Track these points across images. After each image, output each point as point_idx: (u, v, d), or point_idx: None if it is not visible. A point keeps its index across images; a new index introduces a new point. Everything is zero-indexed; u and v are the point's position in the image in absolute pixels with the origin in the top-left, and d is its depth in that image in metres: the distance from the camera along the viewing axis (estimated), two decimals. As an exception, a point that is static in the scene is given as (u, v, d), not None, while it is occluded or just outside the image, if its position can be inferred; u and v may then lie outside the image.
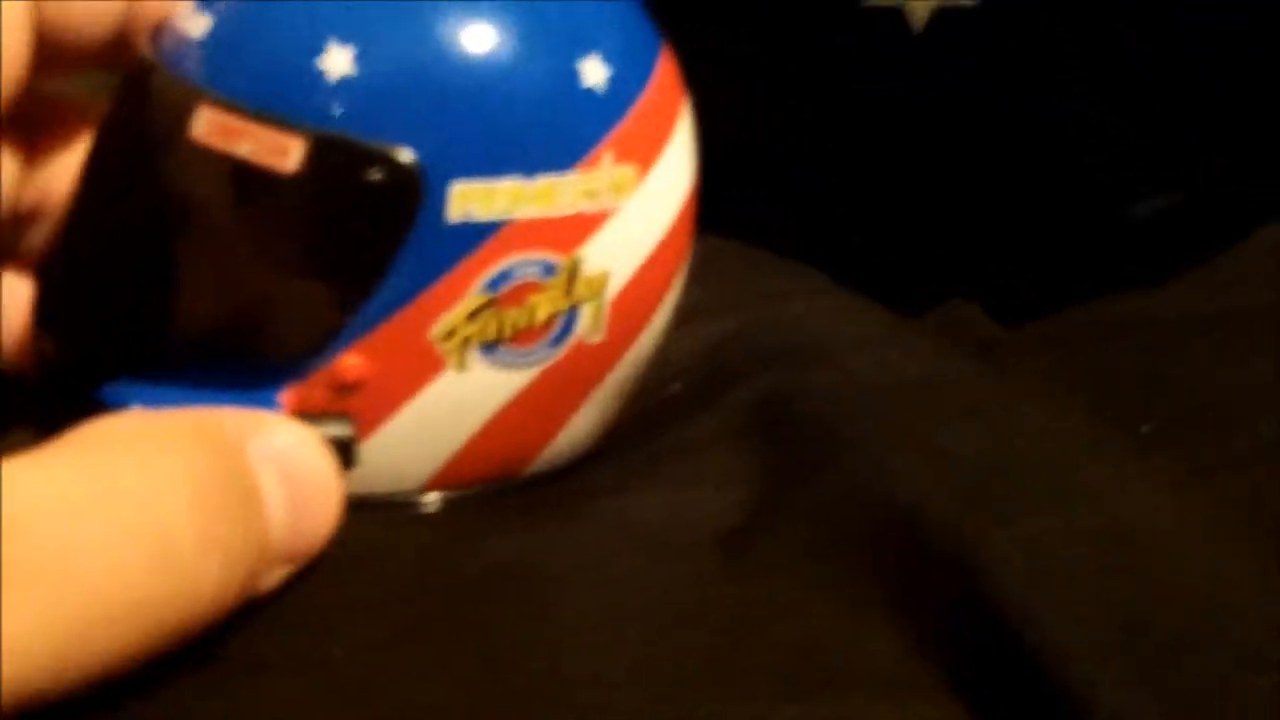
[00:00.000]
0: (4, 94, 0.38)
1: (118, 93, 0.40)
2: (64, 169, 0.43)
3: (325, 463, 0.34)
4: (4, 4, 0.38)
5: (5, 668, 0.28)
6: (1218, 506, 0.41)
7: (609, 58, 0.38)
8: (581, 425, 0.41)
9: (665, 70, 0.40)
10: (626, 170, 0.38)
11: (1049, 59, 0.56)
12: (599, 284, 0.38)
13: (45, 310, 0.40)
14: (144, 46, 0.39)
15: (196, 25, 0.38)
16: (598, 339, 0.39)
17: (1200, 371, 0.50)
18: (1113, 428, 0.46)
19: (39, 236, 0.43)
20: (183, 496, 0.30)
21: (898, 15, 0.55)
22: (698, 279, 0.43)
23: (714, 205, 0.43)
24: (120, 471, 0.30)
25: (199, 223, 0.38)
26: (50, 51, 0.40)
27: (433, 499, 0.40)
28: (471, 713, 0.32)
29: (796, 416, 0.43)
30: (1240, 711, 0.33)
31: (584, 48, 0.38)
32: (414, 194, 0.36)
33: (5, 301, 0.42)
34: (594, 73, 0.38)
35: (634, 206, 0.39)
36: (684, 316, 0.43)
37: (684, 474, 0.42)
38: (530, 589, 0.36)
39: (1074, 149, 0.58)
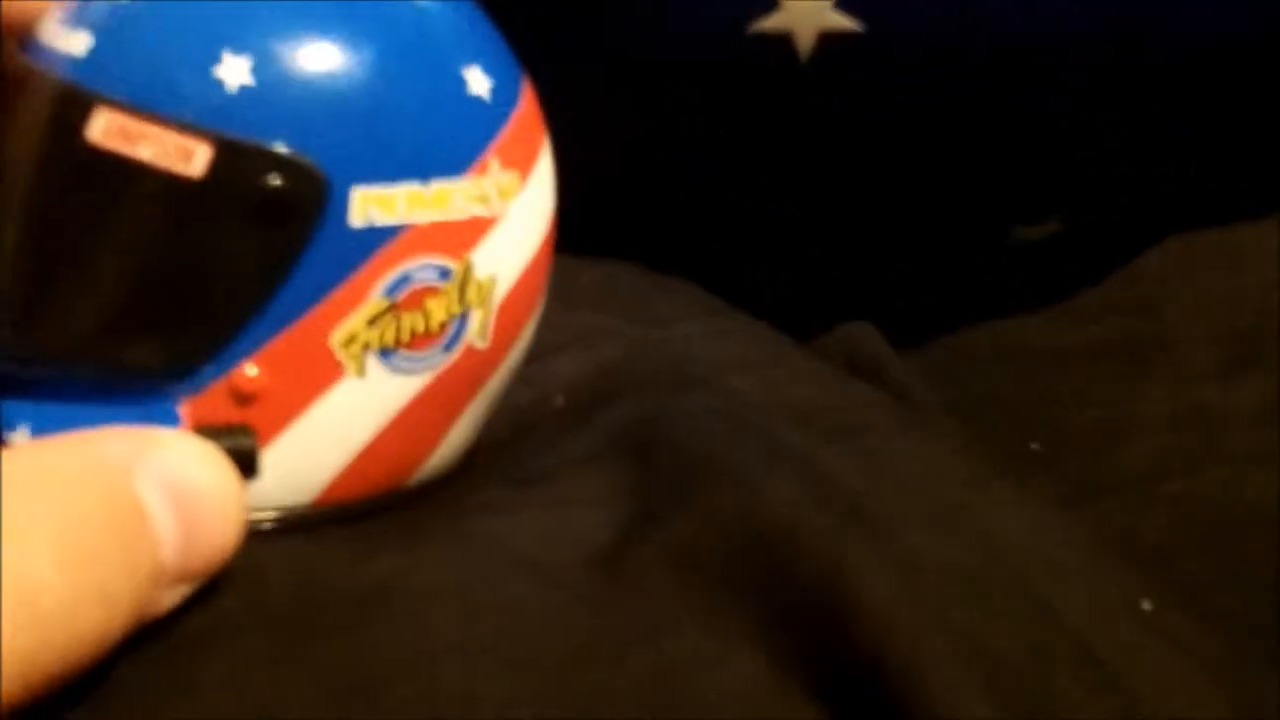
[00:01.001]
0: None
1: None
2: None
3: (220, 477, 0.34)
4: None
5: None
6: (1092, 530, 0.43)
7: (489, 69, 0.40)
8: (462, 432, 0.42)
9: (528, 88, 0.42)
10: (511, 176, 0.40)
11: (935, 84, 0.58)
12: (487, 289, 0.39)
13: None
14: (16, 56, 0.38)
15: (76, 43, 0.37)
16: (483, 345, 0.40)
17: (1084, 398, 0.52)
18: (996, 451, 0.47)
19: None
20: (48, 549, 0.30)
21: (784, 42, 0.57)
22: (592, 301, 0.44)
23: (606, 229, 0.44)
24: None
25: (93, 229, 0.37)
26: None
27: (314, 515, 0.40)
28: None
29: (672, 437, 0.44)
30: None
31: (467, 58, 0.39)
32: (318, 200, 0.37)
33: None
34: (478, 82, 0.39)
35: (516, 213, 0.40)
36: (575, 336, 0.44)
37: (558, 494, 0.43)
38: (402, 610, 0.36)
39: (961, 173, 0.60)
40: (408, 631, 0.36)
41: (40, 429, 0.36)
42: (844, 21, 0.57)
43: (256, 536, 0.37)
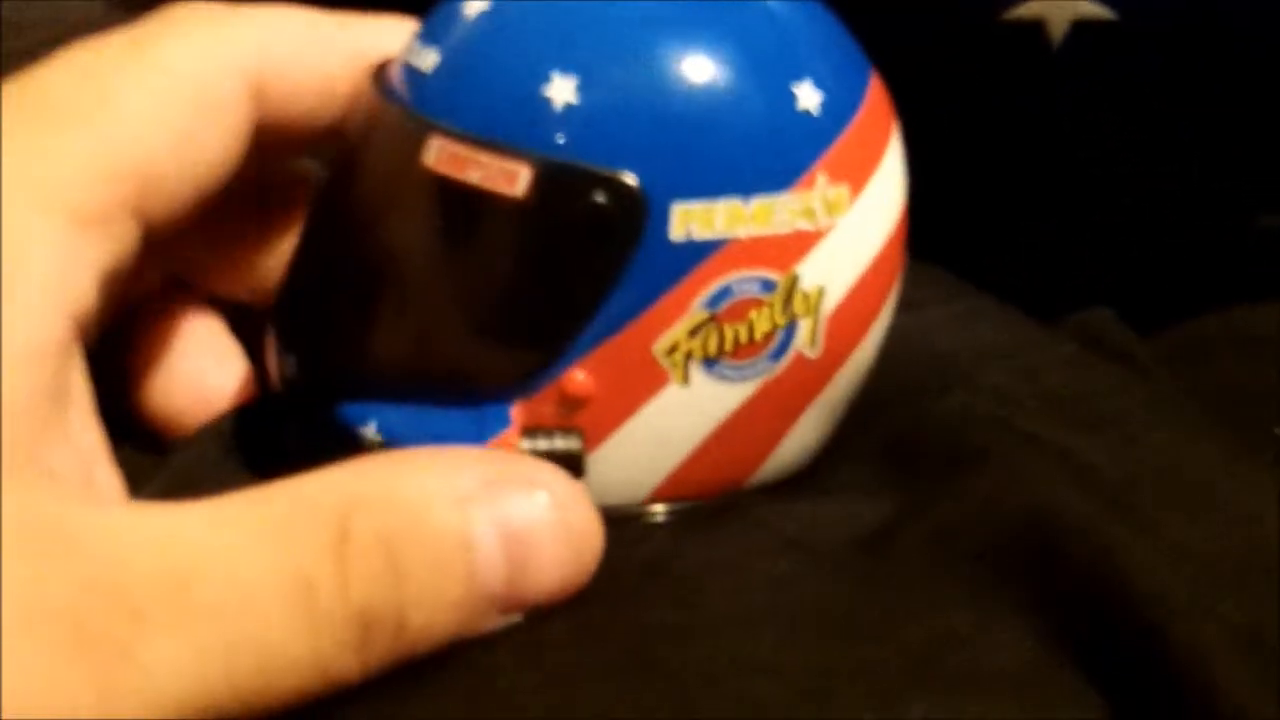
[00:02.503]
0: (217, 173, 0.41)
1: (347, 128, 0.42)
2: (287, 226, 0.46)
3: (568, 514, 0.36)
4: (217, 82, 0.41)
5: (150, 691, 0.31)
6: None
7: (821, 82, 0.39)
8: (801, 437, 0.42)
9: (875, 94, 0.41)
10: (840, 190, 0.39)
11: (1186, 70, 0.56)
12: (815, 300, 0.40)
13: (286, 336, 0.42)
14: (368, 83, 0.41)
15: (426, 59, 0.40)
16: (815, 354, 0.40)
17: None
18: (1249, 437, 0.46)
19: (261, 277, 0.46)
20: (344, 569, 0.33)
21: (1037, 29, 0.56)
22: None
23: None
24: (291, 537, 0.33)
25: (432, 247, 0.39)
26: (277, 133, 0.43)
27: (658, 510, 0.41)
28: (626, 703, 0.34)
29: (934, 439, 0.44)
30: None
31: (798, 73, 0.39)
32: (638, 215, 0.38)
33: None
34: (808, 97, 0.39)
35: (847, 225, 0.40)
36: None
37: (828, 486, 0.44)
38: (676, 584, 0.38)
39: (1206, 161, 0.58)
40: (682, 603, 0.37)
41: (386, 427, 0.39)
42: (1097, 10, 0.55)
43: None
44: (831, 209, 0.39)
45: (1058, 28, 0.55)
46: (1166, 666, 0.35)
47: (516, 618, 0.36)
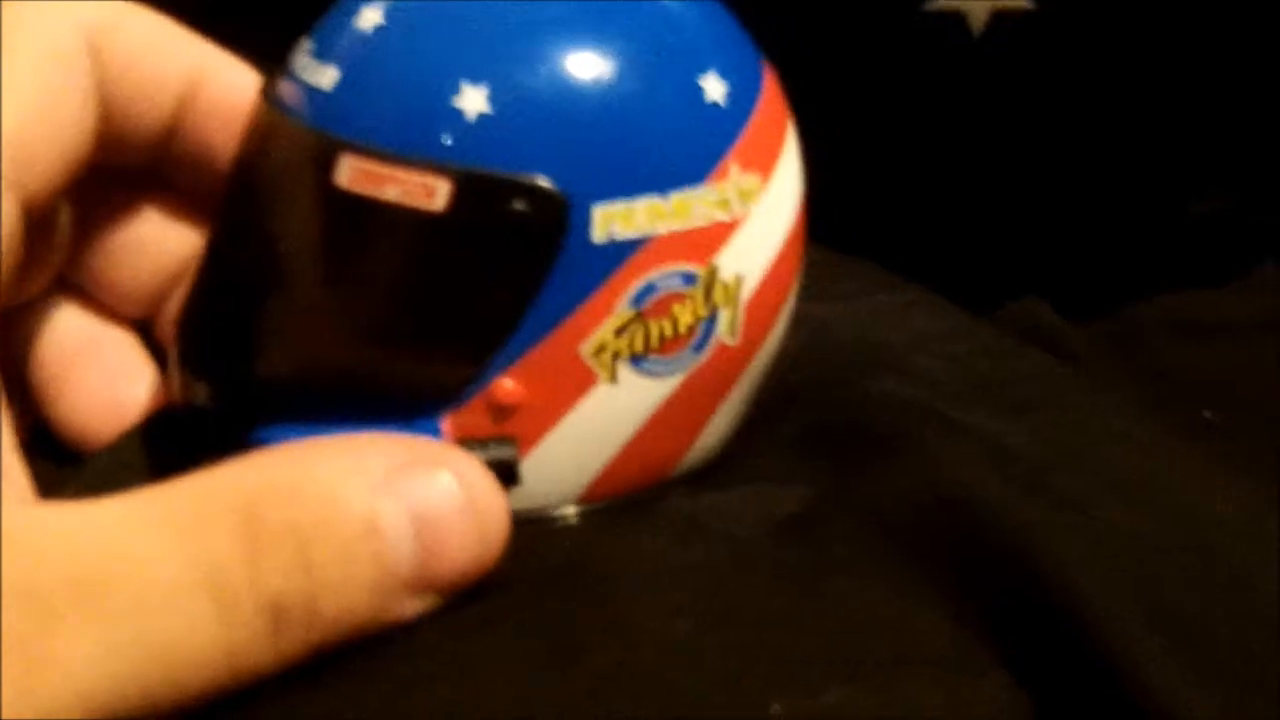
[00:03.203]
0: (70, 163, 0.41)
1: (244, 146, 0.41)
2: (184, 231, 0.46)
3: (476, 496, 0.36)
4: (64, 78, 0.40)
5: (67, 679, 0.31)
6: (1274, 495, 0.43)
7: (725, 74, 0.40)
8: (720, 424, 0.43)
9: (771, 83, 0.42)
10: (752, 178, 0.40)
11: (1107, 58, 0.57)
12: (734, 288, 0.40)
13: (194, 360, 0.41)
14: (265, 97, 0.40)
15: (324, 76, 0.39)
16: (734, 342, 0.41)
17: (1258, 367, 0.52)
18: (1171, 421, 0.47)
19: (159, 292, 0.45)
20: (256, 557, 0.33)
21: (958, 19, 0.57)
22: None
23: None
24: (200, 528, 0.33)
25: (350, 266, 0.39)
26: (114, 124, 0.42)
27: (570, 511, 0.42)
28: (542, 693, 0.35)
29: (860, 422, 0.45)
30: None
31: (702, 66, 0.39)
32: (560, 220, 0.38)
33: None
34: (714, 88, 0.39)
35: (760, 212, 0.40)
36: None
37: (750, 474, 0.44)
38: (597, 580, 0.38)
39: (1133, 146, 0.60)
40: (600, 595, 0.38)
41: None
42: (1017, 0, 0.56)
43: None
44: (745, 198, 0.40)
45: (978, 18, 0.56)
46: (1085, 645, 0.36)
47: (434, 602, 0.36)
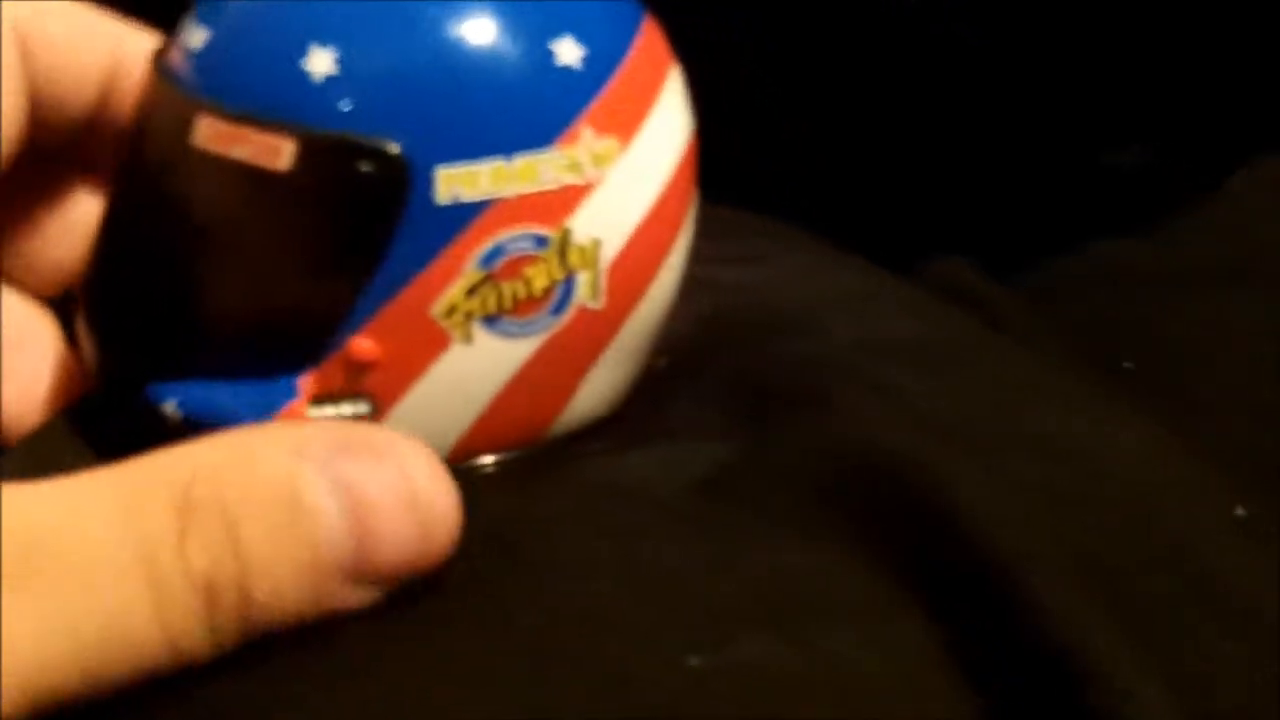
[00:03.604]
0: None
1: (135, 111, 0.43)
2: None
3: (421, 483, 0.36)
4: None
5: (9, 667, 0.31)
6: (1188, 441, 0.43)
7: (583, 36, 0.40)
8: (595, 389, 0.43)
9: (647, 41, 0.42)
10: (608, 142, 0.40)
11: (1021, 11, 0.57)
12: (592, 252, 0.40)
13: (93, 322, 0.43)
14: (153, 62, 0.42)
15: (196, 38, 0.40)
16: (598, 305, 0.41)
17: (1177, 316, 0.52)
18: (1092, 373, 0.47)
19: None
20: (185, 535, 0.33)
21: None
22: None
23: (702, 163, 0.44)
24: (131, 506, 0.34)
25: (210, 225, 0.40)
26: (41, 113, 0.43)
27: (488, 461, 0.42)
28: (468, 665, 0.35)
29: (775, 377, 0.45)
30: (1194, 639, 0.36)
31: (557, 29, 0.39)
32: (402, 182, 0.38)
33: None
34: (569, 52, 0.39)
35: (619, 176, 0.40)
36: None
37: (665, 433, 0.44)
38: (518, 543, 0.39)
39: (1048, 99, 0.59)
40: (524, 560, 0.38)
41: (184, 404, 0.40)
42: None
43: None
44: (599, 161, 0.40)
45: None
46: (1000, 589, 0.36)
47: (375, 594, 0.36)
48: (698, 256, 0.45)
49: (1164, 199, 0.58)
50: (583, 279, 0.40)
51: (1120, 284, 0.54)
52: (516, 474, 0.42)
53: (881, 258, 0.55)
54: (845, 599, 0.37)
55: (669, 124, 0.42)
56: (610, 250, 0.40)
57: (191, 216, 0.40)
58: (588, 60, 0.40)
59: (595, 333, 0.41)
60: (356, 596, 0.35)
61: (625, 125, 0.40)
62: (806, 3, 0.58)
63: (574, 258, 0.40)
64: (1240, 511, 0.40)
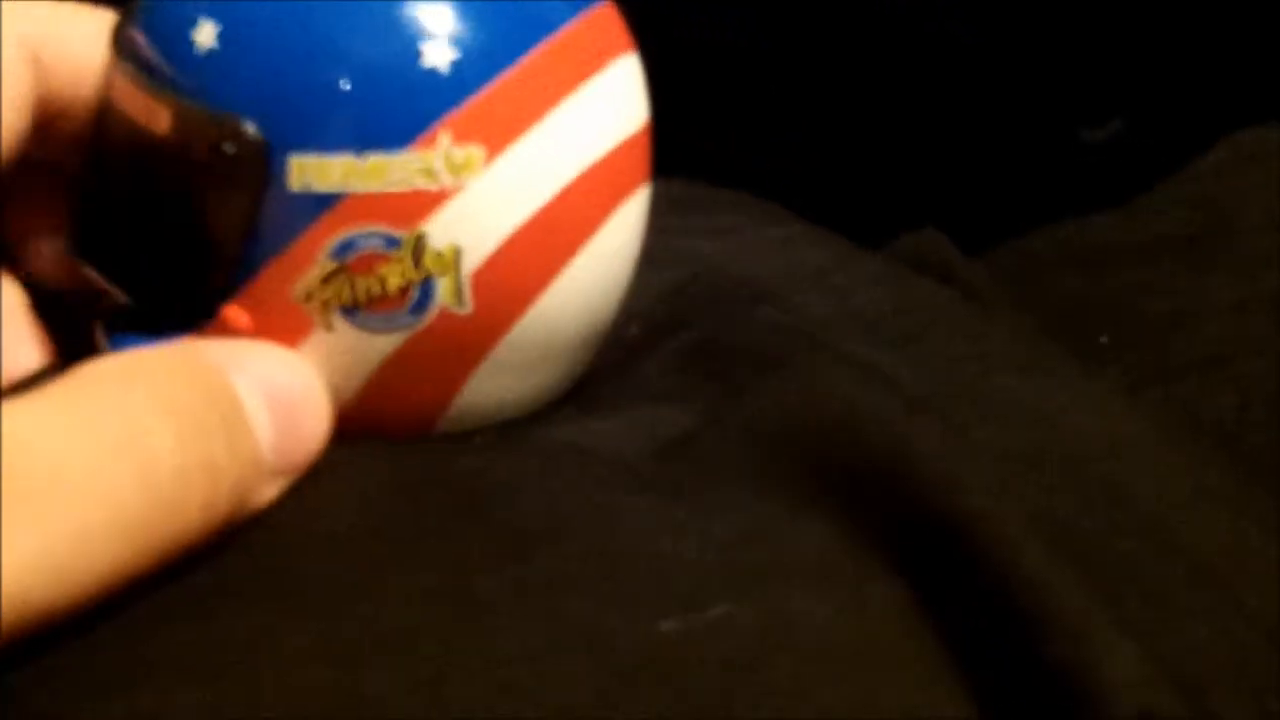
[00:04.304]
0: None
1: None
2: None
3: (307, 379, 0.39)
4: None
5: (7, 582, 0.31)
6: (1159, 411, 0.45)
7: (459, 40, 0.38)
8: (490, 384, 0.42)
9: (552, 50, 0.40)
10: (470, 151, 0.38)
11: None
12: (450, 258, 0.39)
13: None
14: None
15: (137, 4, 0.42)
16: (465, 310, 0.40)
17: (1150, 290, 0.51)
18: (1066, 347, 0.47)
19: None
20: (164, 422, 0.35)
21: None
22: (656, 217, 0.44)
23: (672, 139, 0.43)
24: (105, 404, 0.35)
25: (126, 182, 0.42)
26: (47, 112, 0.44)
27: None
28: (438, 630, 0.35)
29: (740, 346, 0.44)
30: (1162, 601, 0.36)
31: (430, 31, 0.38)
32: (259, 164, 0.38)
33: None
34: (437, 55, 0.38)
35: (482, 186, 0.39)
36: (644, 259, 0.44)
37: (634, 400, 0.44)
38: (487, 508, 0.39)
39: (1024, 75, 0.57)
40: (493, 525, 0.38)
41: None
42: None
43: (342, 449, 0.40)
44: (458, 170, 0.38)
45: None
46: (964, 546, 0.35)
47: (283, 486, 0.38)
48: (669, 229, 0.45)
49: (1138, 173, 0.57)
50: (442, 284, 0.39)
51: (1094, 258, 0.54)
52: (482, 437, 0.42)
53: (855, 232, 0.54)
54: (814, 561, 0.37)
55: (567, 137, 0.40)
56: (475, 258, 0.39)
57: (113, 172, 0.42)
58: (457, 65, 0.38)
59: (473, 335, 0.41)
60: (273, 490, 0.38)
61: (498, 135, 0.39)
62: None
63: (431, 262, 0.39)
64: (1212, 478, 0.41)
